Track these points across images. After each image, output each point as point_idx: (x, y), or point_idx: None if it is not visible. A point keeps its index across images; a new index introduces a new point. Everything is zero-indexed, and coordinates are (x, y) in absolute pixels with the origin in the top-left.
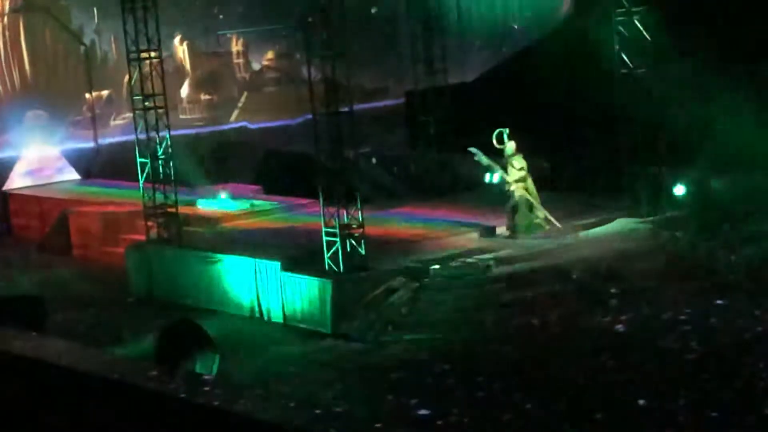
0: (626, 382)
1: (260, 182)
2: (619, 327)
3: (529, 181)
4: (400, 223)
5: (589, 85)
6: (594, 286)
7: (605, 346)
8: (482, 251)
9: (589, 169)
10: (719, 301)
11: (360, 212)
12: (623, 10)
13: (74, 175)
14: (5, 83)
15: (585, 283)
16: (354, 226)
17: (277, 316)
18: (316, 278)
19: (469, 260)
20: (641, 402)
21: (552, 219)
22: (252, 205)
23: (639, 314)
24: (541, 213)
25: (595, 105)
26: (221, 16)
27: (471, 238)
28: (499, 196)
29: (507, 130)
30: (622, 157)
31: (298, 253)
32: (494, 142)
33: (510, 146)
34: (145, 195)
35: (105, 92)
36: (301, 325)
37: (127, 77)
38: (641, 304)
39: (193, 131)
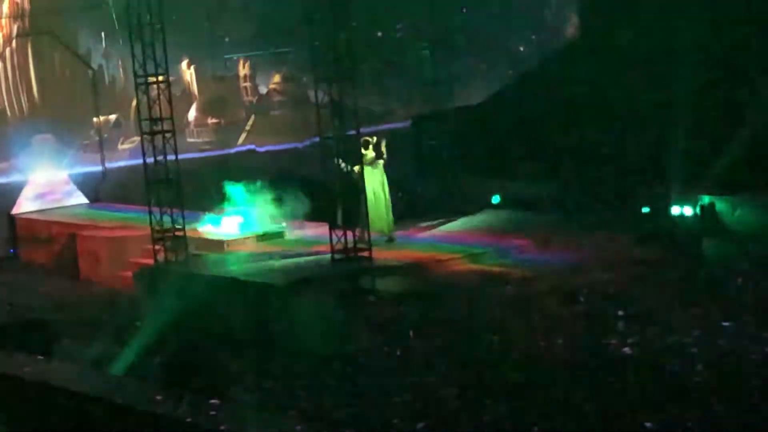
0: (632, 405)
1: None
2: (626, 350)
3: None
4: (407, 245)
5: (596, 107)
6: (601, 308)
7: (612, 369)
8: (494, 274)
9: (595, 191)
10: (725, 323)
11: (368, 235)
12: None
13: (82, 199)
14: (13, 107)
15: (592, 306)
16: (361, 248)
17: (284, 340)
18: (323, 301)
19: None
20: (648, 425)
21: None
22: (260, 228)
23: (645, 337)
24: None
25: (602, 127)
26: (227, 40)
27: (481, 261)
28: (507, 219)
29: (374, 140)
30: (630, 178)
31: (305, 276)
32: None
33: (368, 155)
34: (153, 219)
35: (113, 116)
36: (309, 349)
37: (134, 101)
38: (648, 327)
39: (200, 155)
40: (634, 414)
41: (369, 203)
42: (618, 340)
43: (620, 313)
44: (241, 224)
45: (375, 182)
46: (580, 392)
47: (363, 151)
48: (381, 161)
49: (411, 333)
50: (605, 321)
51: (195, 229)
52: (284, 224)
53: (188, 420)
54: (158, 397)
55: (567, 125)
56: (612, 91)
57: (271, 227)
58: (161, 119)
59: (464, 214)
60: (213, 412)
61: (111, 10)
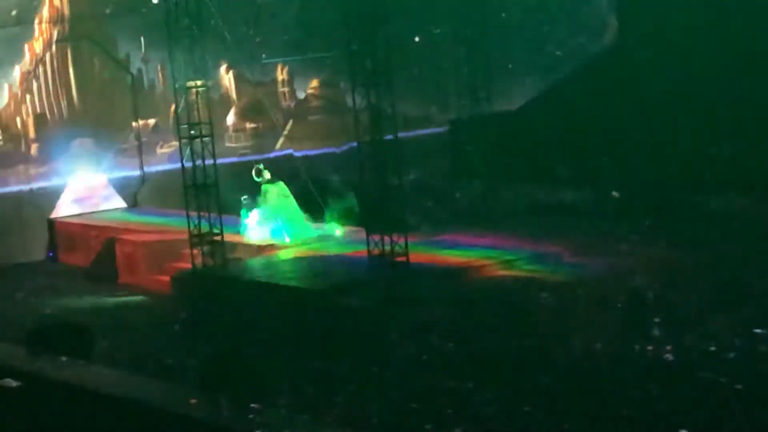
0: (669, 410)
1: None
2: (666, 356)
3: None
4: (444, 250)
5: (635, 112)
6: (638, 314)
7: (650, 376)
8: (532, 279)
9: (634, 196)
10: (758, 330)
11: (405, 239)
12: None
13: (120, 203)
14: (53, 111)
15: (629, 312)
16: (399, 253)
17: (321, 344)
18: (359, 306)
19: None
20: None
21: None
22: (298, 233)
23: (683, 343)
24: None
25: (641, 131)
26: (265, 44)
27: (517, 266)
28: (545, 223)
29: (261, 165)
30: (669, 183)
31: (341, 281)
32: (254, 176)
33: (265, 176)
34: (191, 223)
35: (151, 121)
36: (345, 353)
37: (173, 106)
38: (686, 333)
39: (238, 159)
40: (670, 419)
41: (275, 210)
42: (655, 346)
43: (658, 319)
44: (277, 229)
45: (277, 195)
46: (617, 398)
47: (257, 178)
48: (280, 181)
49: (450, 345)
50: (643, 327)
51: (233, 234)
52: (324, 227)
53: (223, 424)
54: (192, 401)
55: (605, 130)
56: (651, 95)
57: (308, 232)
58: (200, 124)
59: (499, 219)
60: (251, 416)
61: (151, 16)
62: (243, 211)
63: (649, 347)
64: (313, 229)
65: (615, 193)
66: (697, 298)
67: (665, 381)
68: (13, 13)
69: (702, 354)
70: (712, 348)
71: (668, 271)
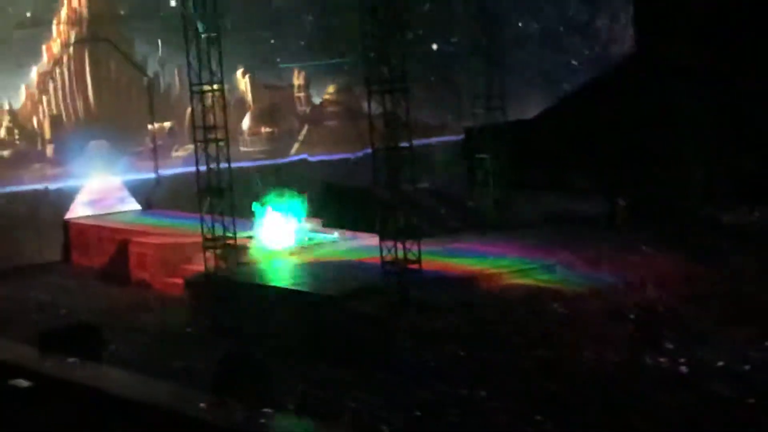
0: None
1: (320, 215)
2: (679, 368)
3: None
4: (457, 258)
5: (651, 123)
6: (651, 326)
7: (661, 388)
8: (542, 289)
9: (648, 207)
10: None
11: (418, 246)
12: None
13: (135, 206)
14: (69, 113)
15: (642, 324)
16: (411, 260)
17: (334, 349)
18: (373, 312)
19: None
20: None
21: None
22: (311, 238)
23: (694, 356)
24: None
25: (658, 142)
26: (282, 49)
27: (530, 275)
28: (558, 233)
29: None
30: (683, 194)
31: (355, 287)
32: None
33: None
34: (205, 226)
35: (167, 124)
36: (359, 358)
37: (189, 109)
38: (697, 346)
39: (253, 164)
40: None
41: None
42: (667, 359)
43: (670, 332)
44: (291, 233)
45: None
46: (629, 410)
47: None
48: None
49: (462, 353)
50: (655, 339)
51: (246, 237)
52: (335, 234)
53: (233, 427)
54: (202, 405)
55: (621, 140)
56: (667, 105)
57: (321, 237)
58: (215, 127)
59: (513, 228)
60: (262, 420)
61: (168, 19)
62: (256, 216)
63: (662, 359)
64: (327, 234)
65: (621, 201)
66: (710, 311)
67: (677, 393)
68: (28, 14)
69: (714, 367)
70: (721, 363)
71: (681, 282)
